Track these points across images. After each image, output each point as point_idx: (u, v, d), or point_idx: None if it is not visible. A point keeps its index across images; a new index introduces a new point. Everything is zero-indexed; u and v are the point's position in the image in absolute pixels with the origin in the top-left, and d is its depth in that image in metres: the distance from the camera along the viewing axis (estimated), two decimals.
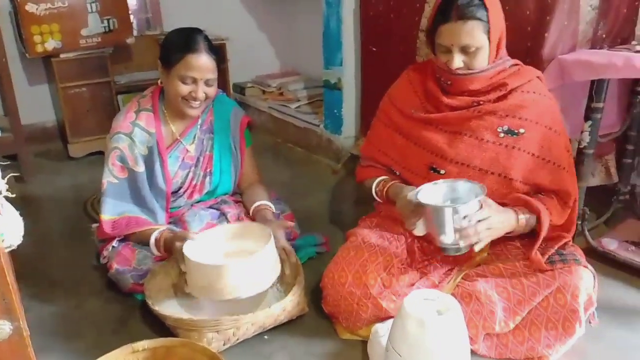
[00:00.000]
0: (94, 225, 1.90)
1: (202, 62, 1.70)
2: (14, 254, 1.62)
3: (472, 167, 1.54)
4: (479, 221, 1.38)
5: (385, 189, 1.66)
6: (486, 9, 1.44)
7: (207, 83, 1.73)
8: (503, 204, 1.49)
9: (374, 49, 2.46)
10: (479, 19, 1.44)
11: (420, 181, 1.56)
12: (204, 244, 1.60)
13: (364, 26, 2.50)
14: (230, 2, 3.52)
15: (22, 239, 0.84)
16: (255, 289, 1.47)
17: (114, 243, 1.74)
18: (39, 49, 2.74)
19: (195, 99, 1.72)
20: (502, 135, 1.52)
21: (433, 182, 1.47)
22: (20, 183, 2.62)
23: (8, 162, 2.58)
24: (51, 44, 2.75)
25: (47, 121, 3.17)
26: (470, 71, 1.50)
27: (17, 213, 0.84)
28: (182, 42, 1.72)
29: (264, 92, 3.47)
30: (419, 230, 1.44)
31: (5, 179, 0.80)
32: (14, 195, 0.85)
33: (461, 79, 1.52)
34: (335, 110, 2.74)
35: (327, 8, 2.61)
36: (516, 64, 1.58)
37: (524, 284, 1.43)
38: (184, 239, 1.56)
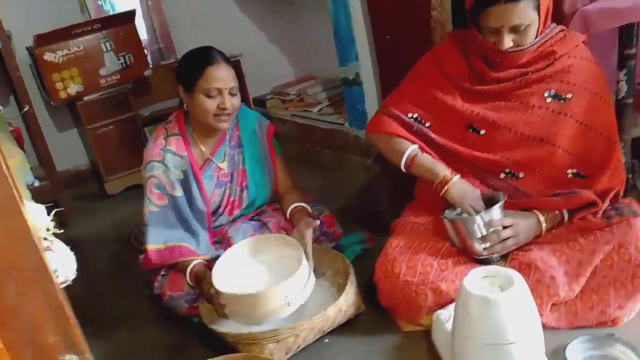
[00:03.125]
0: (141, 257, 1.92)
1: (223, 71, 1.71)
2: (67, 295, 1.65)
3: (514, 131, 1.50)
4: (505, 228, 1.41)
5: (412, 163, 1.56)
6: None
7: (231, 93, 1.73)
8: (553, 193, 1.47)
9: (388, 37, 2.43)
10: None
11: (455, 138, 1.54)
12: (230, 267, 1.60)
13: (374, 16, 2.47)
14: (238, 19, 3.55)
15: (76, 274, 0.84)
16: (295, 305, 1.46)
17: (163, 271, 1.75)
18: (63, 95, 2.81)
19: (224, 110, 1.72)
20: (549, 100, 1.48)
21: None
22: (64, 227, 2.67)
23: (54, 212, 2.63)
24: (73, 89, 2.82)
25: (81, 164, 3.25)
26: (520, 47, 1.45)
27: (67, 248, 0.85)
28: (199, 58, 1.73)
29: (284, 101, 3.47)
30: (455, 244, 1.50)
31: (50, 216, 0.81)
32: (62, 231, 0.86)
33: (511, 56, 1.47)
34: (358, 106, 2.71)
35: (333, 5, 2.60)
36: (562, 30, 1.53)
37: (582, 243, 1.38)
38: (209, 282, 1.55)
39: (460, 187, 1.48)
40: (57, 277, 0.77)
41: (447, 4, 2.06)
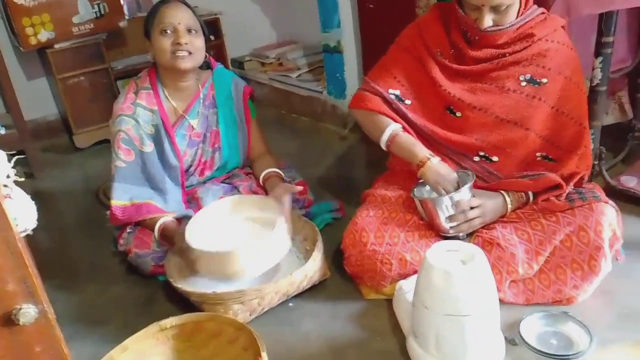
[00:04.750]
0: (108, 212, 1.89)
1: (176, 9, 1.70)
2: (32, 247, 1.62)
3: (489, 113, 1.52)
4: (472, 208, 1.44)
5: (392, 142, 1.56)
6: None
7: (189, 31, 1.70)
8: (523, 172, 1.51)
9: (371, 6, 2.40)
10: None
11: (433, 118, 1.56)
12: (206, 223, 1.59)
13: None
14: None
15: (36, 223, 0.82)
16: (267, 266, 1.47)
17: (129, 228, 1.73)
18: (33, 41, 2.69)
19: (179, 45, 1.68)
20: (524, 84, 1.50)
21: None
22: (30, 179, 2.62)
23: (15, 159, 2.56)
24: (44, 35, 2.70)
25: (50, 114, 3.14)
26: (499, 27, 1.45)
27: (28, 197, 0.83)
28: (156, 4, 1.73)
29: (263, 64, 3.41)
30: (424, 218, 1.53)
31: (11, 164, 0.78)
32: (23, 179, 0.84)
33: (489, 35, 1.47)
34: (338, 74, 2.69)
35: None
36: (543, 12, 1.53)
37: (543, 224, 1.42)
38: (181, 235, 1.54)
39: (436, 170, 1.48)
40: (16, 225, 0.75)
41: None
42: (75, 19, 2.75)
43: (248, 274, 1.46)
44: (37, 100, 3.04)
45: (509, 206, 1.50)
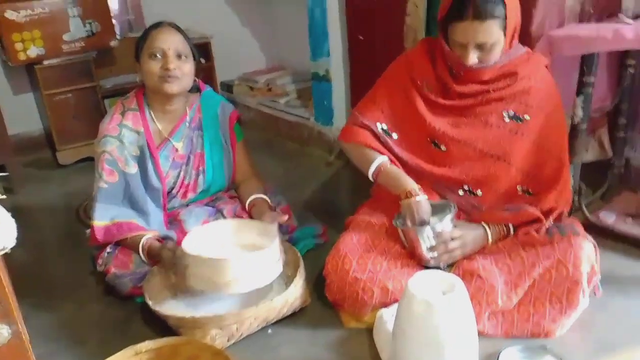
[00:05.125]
0: (88, 231, 1.87)
1: (167, 34, 1.71)
2: (10, 264, 1.59)
3: (473, 147, 1.56)
4: (453, 239, 1.46)
5: (379, 172, 1.59)
6: (504, 4, 1.42)
7: (179, 57, 1.71)
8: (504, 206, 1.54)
9: (361, 38, 2.45)
10: (497, 17, 1.42)
11: (418, 152, 1.59)
12: (204, 239, 1.58)
13: (350, 15, 2.48)
14: (213, 0, 3.49)
15: (15, 242, 0.81)
16: (257, 283, 1.46)
17: (109, 249, 1.71)
18: (22, 56, 2.69)
19: (168, 70, 1.69)
20: (507, 119, 1.54)
21: None
22: (10, 194, 2.57)
23: None
24: (34, 51, 2.71)
25: (34, 130, 3.12)
26: (484, 64, 1.49)
27: (8, 215, 0.81)
28: (148, 28, 1.75)
29: (252, 89, 3.44)
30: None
31: None
32: (4, 197, 0.83)
33: (474, 72, 1.51)
34: (325, 102, 2.72)
35: None
36: (527, 51, 1.58)
37: (523, 257, 1.44)
38: (172, 249, 1.54)
39: (419, 206, 1.49)
40: None
41: (421, 12, 2.09)
42: (66, 37, 2.77)
43: (238, 287, 1.44)
44: (21, 114, 3.02)
45: (490, 238, 1.52)
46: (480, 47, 1.46)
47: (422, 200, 1.49)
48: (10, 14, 2.61)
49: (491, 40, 1.44)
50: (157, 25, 1.74)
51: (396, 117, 1.63)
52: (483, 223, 1.53)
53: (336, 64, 2.61)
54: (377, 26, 2.33)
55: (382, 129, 1.63)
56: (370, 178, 1.62)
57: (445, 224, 1.46)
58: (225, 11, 3.54)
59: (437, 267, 1.47)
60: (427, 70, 1.60)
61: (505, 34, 1.46)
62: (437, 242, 1.46)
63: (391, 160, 1.61)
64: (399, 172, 1.58)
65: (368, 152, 1.62)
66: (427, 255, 1.47)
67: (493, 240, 1.52)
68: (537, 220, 1.49)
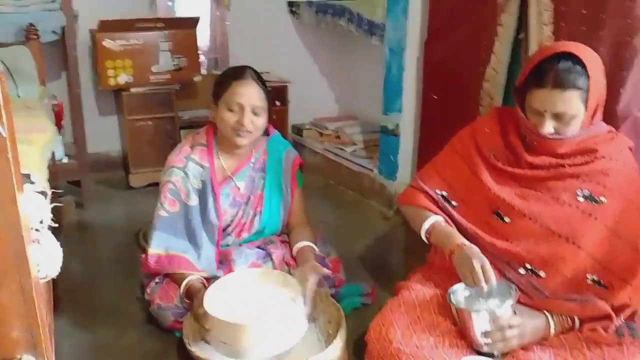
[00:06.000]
0: (143, 256, 1.91)
1: (248, 88, 1.72)
2: (64, 276, 1.64)
3: (539, 223, 1.45)
4: (511, 327, 1.34)
5: (432, 229, 1.54)
6: (588, 76, 1.36)
7: (254, 112, 1.73)
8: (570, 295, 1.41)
9: (435, 97, 2.42)
10: (579, 88, 1.36)
11: (479, 222, 1.50)
12: (227, 291, 1.57)
13: (426, 74, 2.46)
14: (294, 45, 3.61)
15: (59, 271, 0.82)
16: (278, 349, 1.42)
17: (157, 279, 1.74)
18: (112, 82, 2.88)
19: (242, 126, 1.71)
20: (581, 199, 1.43)
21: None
22: (80, 209, 2.70)
23: (57, 192, 2.66)
24: (123, 78, 2.89)
25: (113, 150, 3.30)
26: (560, 136, 1.42)
27: (57, 244, 0.83)
28: (230, 73, 1.77)
29: (321, 134, 3.48)
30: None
31: (47, 208, 0.80)
32: (56, 225, 0.85)
33: (549, 142, 1.43)
34: (391, 156, 2.69)
35: (390, 54, 2.61)
36: (610, 131, 1.49)
37: (587, 356, 1.30)
38: (200, 300, 1.52)
39: (468, 253, 1.42)
40: (38, 271, 0.76)
41: (500, 78, 2.04)
42: (154, 68, 2.94)
43: (257, 353, 1.41)
44: (104, 135, 3.21)
45: (552, 330, 1.39)
46: (558, 117, 1.38)
47: (469, 246, 1.41)
48: (107, 42, 2.82)
49: (570, 112, 1.37)
50: (240, 76, 1.74)
51: (458, 185, 1.58)
52: (546, 312, 1.41)
53: (407, 120, 2.59)
54: (452, 87, 2.29)
55: (442, 195, 1.59)
56: (423, 236, 1.57)
57: (505, 309, 1.36)
58: (305, 57, 3.65)
59: (490, 355, 1.35)
60: (495, 139, 1.54)
61: (586, 108, 1.38)
62: (494, 328, 1.35)
63: (446, 222, 1.54)
64: (453, 230, 1.51)
65: (424, 212, 1.58)
66: (481, 340, 1.36)
67: (555, 332, 1.39)
68: (606, 316, 1.35)
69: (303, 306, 1.48)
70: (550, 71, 1.37)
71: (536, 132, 1.42)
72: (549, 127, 1.40)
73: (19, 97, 2.23)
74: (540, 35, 1.83)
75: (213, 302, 1.49)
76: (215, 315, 1.43)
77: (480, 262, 1.39)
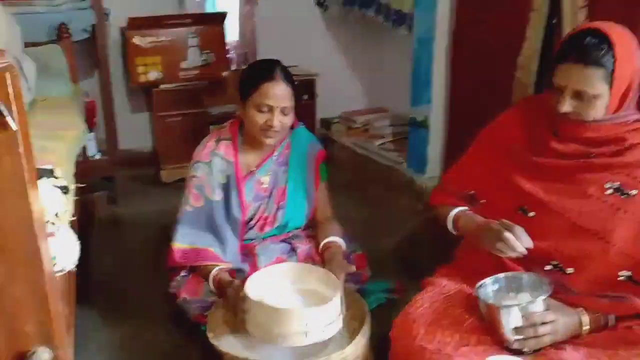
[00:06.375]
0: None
1: (278, 90, 1.70)
2: (97, 270, 1.65)
3: (566, 217, 1.39)
4: (544, 323, 1.28)
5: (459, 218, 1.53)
6: (614, 57, 1.28)
7: (283, 112, 1.72)
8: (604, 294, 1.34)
9: (465, 89, 2.35)
10: (602, 66, 1.28)
11: (505, 219, 1.44)
12: (266, 282, 1.56)
13: (455, 65, 2.41)
14: (322, 39, 3.58)
15: (75, 264, 0.83)
16: (316, 338, 1.41)
17: (183, 272, 1.75)
18: (142, 79, 2.93)
19: (271, 127, 1.71)
20: (609, 192, 1.35)
21: (494, 276, 1.39)
22: (112, 204, 2.76)
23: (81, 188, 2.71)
24: (153, 75, 2.93)
25: (144, 147, 3.35)
26: (581, 117, 1.35)
27: (74, 237, 0.84)
28: (259, 71, 1.74)
29: (349, 128, 3.45)
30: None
31: (63, 202, 0.80)
32: (74, 218, 0.86)
33: (570, 125, 1.37)
34: (420, 149, 2.64)
35: (418, 45, 2.56)
36: None
37: (622, 356, 1.23)
38: (236, 288, 1.52)
39: (494, 226, 1.38)
40: (54, 264, 0.76)
41: (533, 65, 1.96)
42: (183, 65, 2.97)
43: (295, 340, 1.40)
44: (135, 131, 3.26)
45: (585, 327, 1.33)
46: (579, 95, 1.32)
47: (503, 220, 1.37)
48: (137, 40, 2.87)
49: (591, 91, 1.29)
50: (270, 77, 1.70)
51: (485, 184, 1.55)
52: (580, 309, 1.34)
53: (436, 112, 2.54)
54: (483, 78, 2.22)
55: (470, 195, 1.58)
56: (450, 226, 1.55)
57: (538, 304, 1.30)
58: (333, 50, 3.61)
59: (520, 352, 1.30)
60: (517, 131, 1.50)
61: (610, 91, 1.31)
62: (525, 324, 1.29)
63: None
64: (480, 217, 1.49)
65: (451, 208, 1.57)
66: (511, 337, 1.30)
67: (589, 330, 1.33)
68: None
69: (340, 304, 1.47)
70: (575, 46, 1.31)
71: (556, 110, 1.36)
72: (566, 105, 1.33)
73: (51, 95, 2.28)
74: (575, 20, 1.76)
75: (254, 288, 1.49)
76: (256, 299, 1.43)
77: (510, 227, 1.35)
